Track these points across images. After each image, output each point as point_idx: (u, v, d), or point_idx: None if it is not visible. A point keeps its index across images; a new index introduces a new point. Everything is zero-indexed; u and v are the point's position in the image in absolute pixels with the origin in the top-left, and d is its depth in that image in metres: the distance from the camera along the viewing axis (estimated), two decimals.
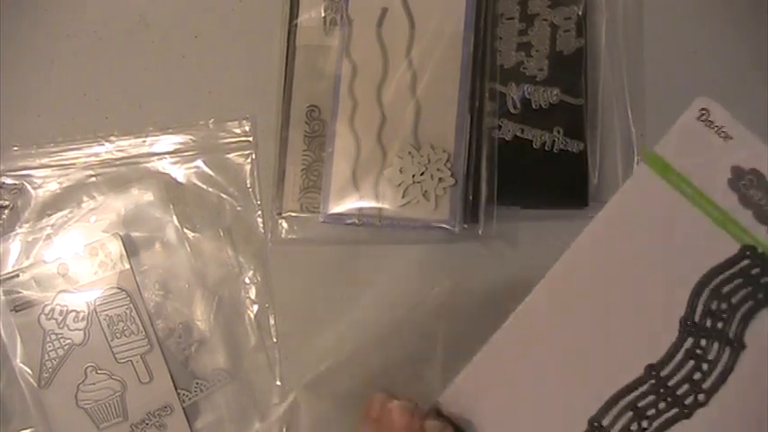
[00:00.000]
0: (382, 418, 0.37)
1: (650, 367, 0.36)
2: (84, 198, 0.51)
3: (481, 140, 0.49)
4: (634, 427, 0.36)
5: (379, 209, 0.48)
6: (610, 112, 0.50)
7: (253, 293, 0.51)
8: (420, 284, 0.50)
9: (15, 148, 0.52)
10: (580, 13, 0.50)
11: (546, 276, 0.38)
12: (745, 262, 0.36)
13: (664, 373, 0.36)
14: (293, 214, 0.50)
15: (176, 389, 0.49)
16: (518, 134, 0.49)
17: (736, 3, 0.51)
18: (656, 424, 0.36)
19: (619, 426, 0.36)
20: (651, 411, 0.36)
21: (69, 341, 0.48)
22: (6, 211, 0.51)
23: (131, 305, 0.49)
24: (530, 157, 0.49)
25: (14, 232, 0.50)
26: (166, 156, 0.52)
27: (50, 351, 0.48)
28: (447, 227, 0.48)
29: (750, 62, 0.50)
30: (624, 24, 0.50)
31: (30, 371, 0.48)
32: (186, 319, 0.50)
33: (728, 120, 0.36)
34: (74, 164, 0.51)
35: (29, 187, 0.51)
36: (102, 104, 0.52)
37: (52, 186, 0.51)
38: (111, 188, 0.51)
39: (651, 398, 0.36)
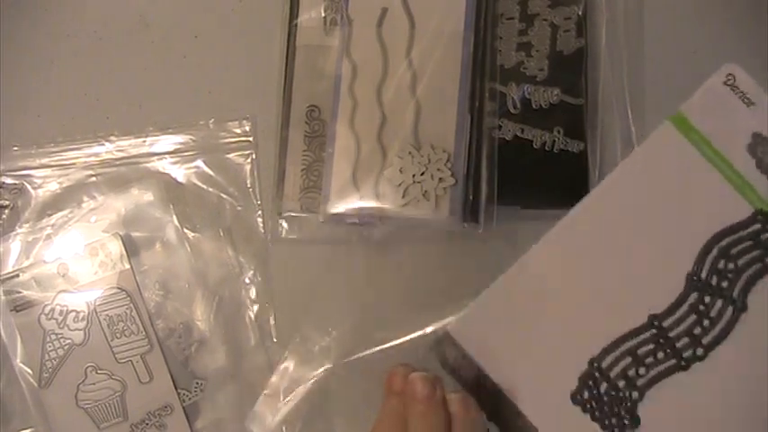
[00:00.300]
0: (405, 390, 0.37)
1: (653, 317, 0.37)
2: (85, 198, 0.51)
3: (481, 140, 0.49)
4: (631, 372, 0.37)
5: (380, 209, 0.48)
6: (610, 112, 0.50)
7: (253, 293, 0.51)
8: (420, 284, 0.50)
9: (15, 148, 0.52)
10: (580, 12, 0.50)
11: (566, 217, 0.39)
12: (757, 226, 0.37)
13: (666, 323, 0.37)
14: (293, 214, 0.50)
15: (176, 389, 0.49)
16: (518, 134, 0.49)
17: (736, 3, 0.51)
18: (652, 372, 0.37)
19: (617, 369, 0.37)
20: (650, 359, 0.37)
21: (69, 341, 0.48)
22: (6, 211, 0.51)
23: (131, 305, 0.49)
24: (530, 157, 0.49)
25: (14, 232, 0.50)
26: (166, 156, 0.52)
27: (50, 351, 0.48)
28: (447, 227, 0.48)
29: (750, 62, 0.50)
30: (624, 24, 0.50)
31: (30, 371, 0.48)
32: (186, 319, 0.50)
33: (753, 86, 0.37)
34: (74, 164, 0.51)
35: (29, 187, 0.51)
36: (102, 104, 0.52)
37: (52, 186, 0.51)
38: (112, 188, 0.51)
39: (651, 346, 0.37)
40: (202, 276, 0.50)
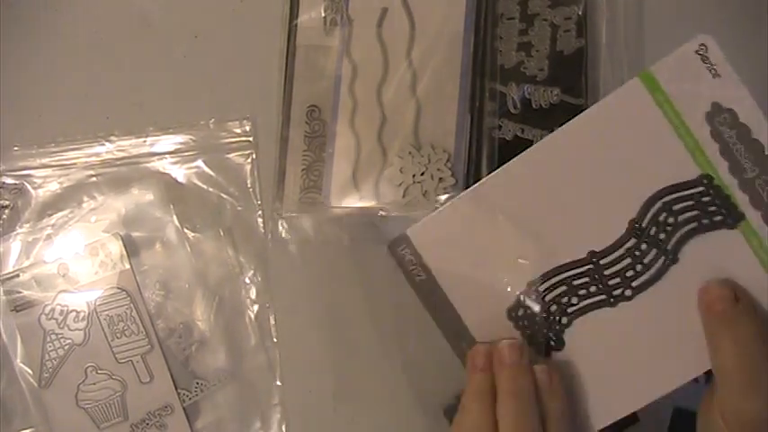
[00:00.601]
0: (489, 362, 0.39)
1: (593, 253, 0.40)
2: (85, 198, 0.51)
3: (481, 140, 0.49)
4: (564, 300, 0.41)
5: (380, 209, 0.48)
6: None
7: (253, 293, 0.51)
8: None
9: (16, 148, 0.52)
10: (580, 12, 0.50)
11: (528, 149, 0.41)
12: (700, 188, 0.39)
13: (603, 261, 0.40)
14: (293, 214, 0.50)
15: (177, 389, 0.49)
16: (518, 134, 0.49)
17: (736, 3, 0.51)
18: (583, 303, 0.41)
19: (552, 295, 0.41)
20: (583, 291, 0.40)
21: (70, 341, 0.48)
22: (7, 211, 0.51)
23: (132, 305, 0.49)
24: None
25: (15, 232, 0.50)
26: (167, 156, 0.52)
27: (51, 351, 0.48)
28: None
29: (750, 62, 0.50)
30: (625, 24, 0.50)
31: (30, 371, 0.48)
32: (186, 319, 0.50)
33: (722, 60, 0.39)
34: (74, 164, 0.51)
35: (29, 187, 0.51)
36: (102, 104, 0.52)
37: (53, 186, 0.51)
38: (112, 188, 0.51)
39: (585, 279, 0.40)
40: (202, 276, 0.50)
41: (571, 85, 0.49)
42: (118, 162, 0.52)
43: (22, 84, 0.53)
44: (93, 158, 0.52)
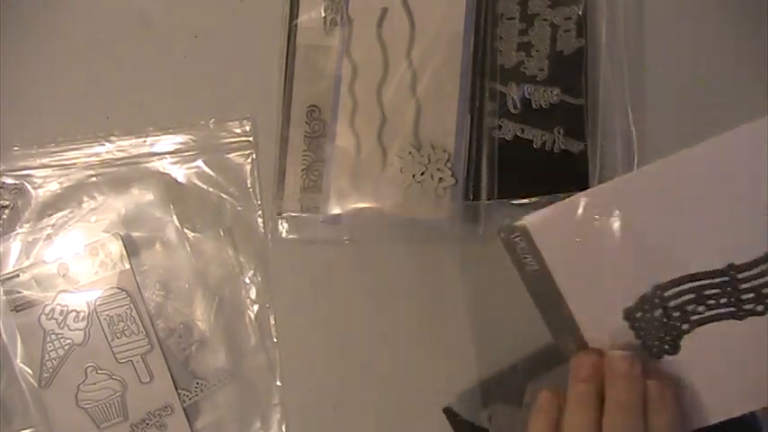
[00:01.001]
0: (596, 372, 0.39)
1: (732, 266, 0.39)
2: (85, 198, 0.51)
3: (481, 140, 0.49)
4: (690, 307, 0.40)
5: (380, 209, 0.48)
6: (610, 112, 0.50)
7: (253, 293, 0.51)
8: (420, 284, 0.50)
9: (16, 148, 0.52)
10: (580, 12, 0.50)
11: (677, 154, 0.40)
12: None
13: (741, 275, 0.39)
14: (293, 214, 0.50)
15: (177, 389, 0.49)
16: (518, 134, 0.49)
17: (736, 2, 0.51)
18: (709, 313, 0.40)
19: (677, 301, 0.40)
20: (711, 302, 0.40)
21: (70, 341, 0.48)
22: (7, 211, 0.51)
23: (132, 305, 0.49)
24: (530, 158, 0.49)
25: (15, 232, 0.50)
26: (167, 156, 0.52)
27: (51, 351, 0.48)
28: (447, 227, 0.48)
29: (750, 62, 0.50)
30: (624, 24, 0.50)
31: (30, 371, 0.48)
32: (186, 319, 0.50)
33: None
34: (74, 164, 0.51)
35: (29, 187, 0.51)
36: (102, 104, 0.52)
37: (53, 186, 0.51)
38: (112, 188, 0.51)
39: (717, 290, 0.40)
40: (202, 276, 0.50)
41: (571, 85, 0.49)
42: (118, 162, 0.52)
43: (22, 84, 0.53)
44: (93, 158, 0.52)
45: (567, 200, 0.41)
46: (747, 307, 0.39)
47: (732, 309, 0.39)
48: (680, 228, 0.40)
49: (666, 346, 0.40)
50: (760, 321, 0.39)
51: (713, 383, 0.40)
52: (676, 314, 0.40)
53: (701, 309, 0.40)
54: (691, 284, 0.40)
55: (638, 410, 0.37)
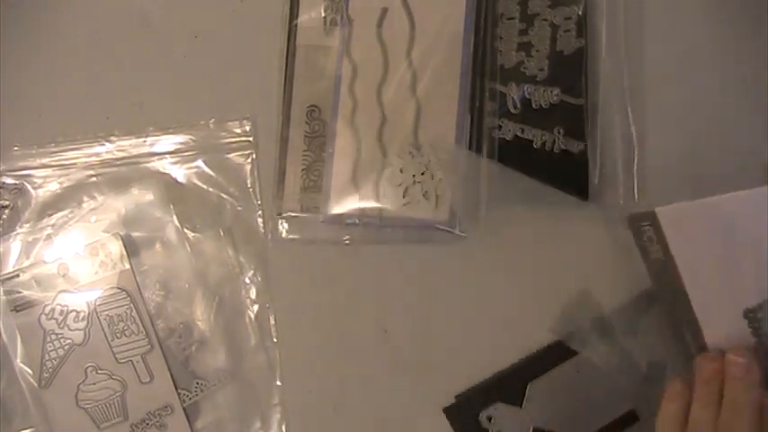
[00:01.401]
0: (717, 376, 0.41)
1: None
2: (85, 198, 0.51)
3: (481, 140, 0.49)
4: None
5: (380, 209, 0.48)
6: (610, 112, 0.50)
7: (253, 293, 0.51)
8: (420, 284, 0.50)
9: (16, 148, 0.52)
10: (580, 12, 0.50)
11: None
12: None
13: None
14: (293, 214, 0.50)
15: (177, 389, 0.49)
16: (518, 134, 0.49)
17: (736, 3, 0.51)
18: None
19: None
20: None
21: (70, 341, 0.48)
22: (7, 211, 0.51)
23: (132, 305, 0.49)
24: (530, 157, 0.49)
25: (15, 232, 0.50)
26: (167, 156, 0.52)
27: (51, 351, 0.48)
28: (447, 227, 0.48)
29: (750, 62, 0.50)
30: (624, 24, 0.50)
31: (30, 371, 0.48)
32: (186, 319, 0.50)
33: None
34: (74, 164, 0.51)
35: (29, 187, 0.51)
36: (102, 104, 0.52)
37: (53, 186, 0.51)
38: (112, 188, 0.51)
39: None
40: (202, 276, 0.50)
41: (571, 85, 0.49)
42: (118, 162, 0.52)
43: (22, 84, 0.53)
44: (94, 158, 0.52)
45: (709, 198, 0.42)
46: None
47: None
48: None
49: None
50: None
51: None
52: None
53: None
54: None
55: (752, 413, 0.39)
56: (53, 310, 0.49)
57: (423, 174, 0.48)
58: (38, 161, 0.51)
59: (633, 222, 0.43)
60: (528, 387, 0.48)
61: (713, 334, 0.42)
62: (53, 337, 0.48)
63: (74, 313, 0.49)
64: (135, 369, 0.49)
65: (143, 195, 0.51)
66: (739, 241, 0.42)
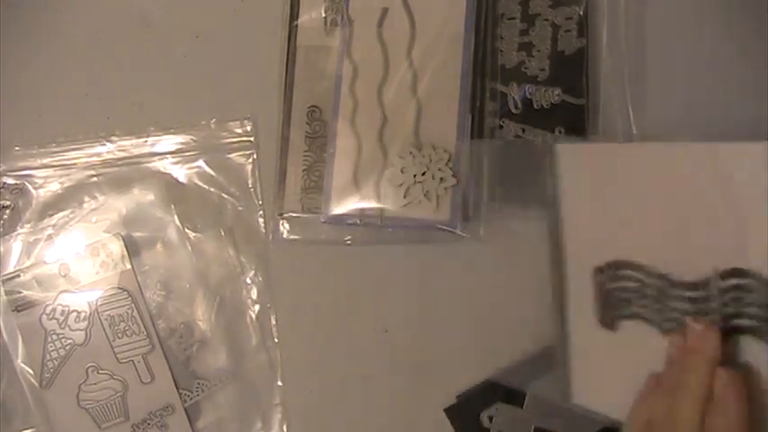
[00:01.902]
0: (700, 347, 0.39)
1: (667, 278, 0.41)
2: (86, 198, 0.51)
3: (482, 140, 0.49)
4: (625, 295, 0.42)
5: (381, 209, 0.48)
6: (611, 112, 0.50)
7: (254, 293, 0.51)
8: (421, 284, 0.50)
9: (17, 149, 0.52)
10: (581, 12, 0.50)
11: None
12: None
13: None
14: (294, 214, 0.50)
15: (178, 389, 0.49)
16: (519, 134, 0.49)
17: (736, 3, 0.51)
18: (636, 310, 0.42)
19: (618, 284, 0.43)
20: (643, 301, 0.42)
21: (71, 341, 0.48)
22: (8, 212, 0.51)
23: (133, 305, 0.49)
24: (531, 158, 0.49)
25: (16, 232, 0.50)
26: (168, 156, 0.52)
27: (52, 351, 0.48)
28: (448, 227, 0.48)
29: (751, 62, 0.50)
30: (625, 24, 0.50)
31: (31, 371, 0.48)
32: (187, 319, 0.50)
33: None
34: (75, 164, 0.51)
35: (30, 187, 0.51)
36: (103, 104, 0.52)
37: (53, 186, 0.51)
38: (113, 188, 0.51)
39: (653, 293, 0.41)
40: (203, 276, 0.50)
41: (572, 85, 0.49)
42: (119, 162, 0.52)
43: (23, 84, 0.53)
44: (94, 158, 0.52)
45: (606, 143, 0.44)
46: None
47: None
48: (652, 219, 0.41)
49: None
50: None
51: None
52: (615, 294, 0.43)
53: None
54: (633, 273, 0.42)
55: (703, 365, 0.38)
56: (54, 310, 0.49)
57: (423, 174, 0.48)
58: (38, 161, 0.51)
59: (548, 154, 0.45)
60: (529, 387, 0.48)
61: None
62: (54, 337, 0.48)
63: (75, 313, 0.49)
64: (136, 369, 0.49)
65: (144, 195, 0.51)
66: (618, 196, 0.42)
